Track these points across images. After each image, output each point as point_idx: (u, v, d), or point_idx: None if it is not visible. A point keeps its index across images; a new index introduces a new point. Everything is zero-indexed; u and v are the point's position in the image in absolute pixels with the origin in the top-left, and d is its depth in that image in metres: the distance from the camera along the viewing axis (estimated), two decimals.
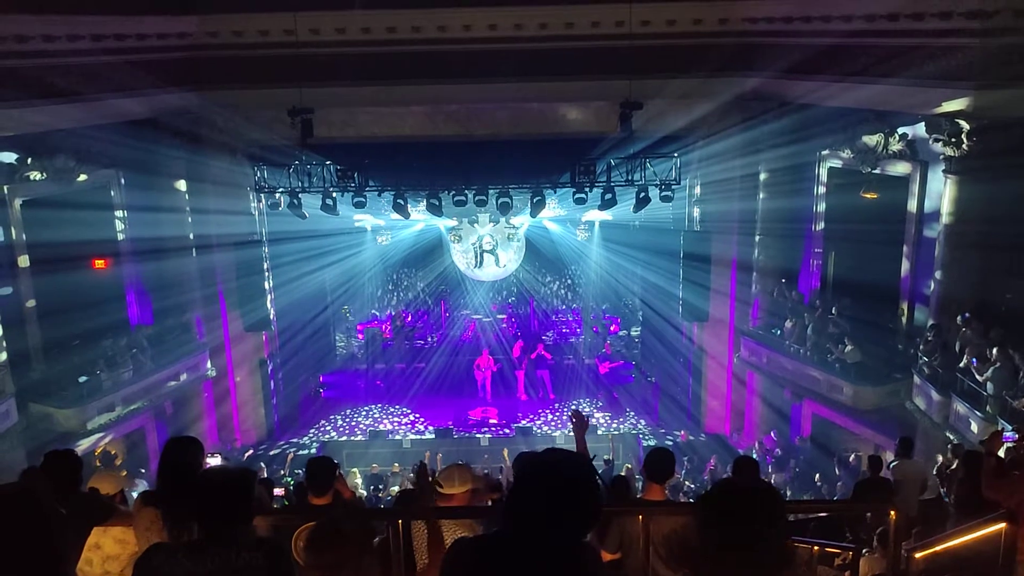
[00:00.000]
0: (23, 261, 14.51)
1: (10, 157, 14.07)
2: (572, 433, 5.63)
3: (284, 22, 14.90)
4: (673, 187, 16.70)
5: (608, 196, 16.69)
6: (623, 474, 15.05)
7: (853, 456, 15.77)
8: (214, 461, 4.36)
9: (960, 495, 7.36)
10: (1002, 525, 4.35)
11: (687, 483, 15.99)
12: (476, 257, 23.29)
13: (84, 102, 13.69)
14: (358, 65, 15.52)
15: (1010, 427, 9.98)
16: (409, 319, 23.65)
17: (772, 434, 17.65)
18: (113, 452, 15.56)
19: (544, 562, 2.34)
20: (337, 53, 15.42)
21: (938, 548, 5.18)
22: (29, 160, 14.26)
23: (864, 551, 6.24)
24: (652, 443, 18.45)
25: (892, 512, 4.34)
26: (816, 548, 6.48)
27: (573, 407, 5.50)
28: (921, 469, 9.70)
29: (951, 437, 12.61)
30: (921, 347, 14.14)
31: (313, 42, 15.17)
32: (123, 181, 16.20)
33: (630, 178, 16.62)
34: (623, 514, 5.24)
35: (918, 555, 5.08)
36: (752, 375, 18.33)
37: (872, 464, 10.03)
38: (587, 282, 24.70)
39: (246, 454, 18.04)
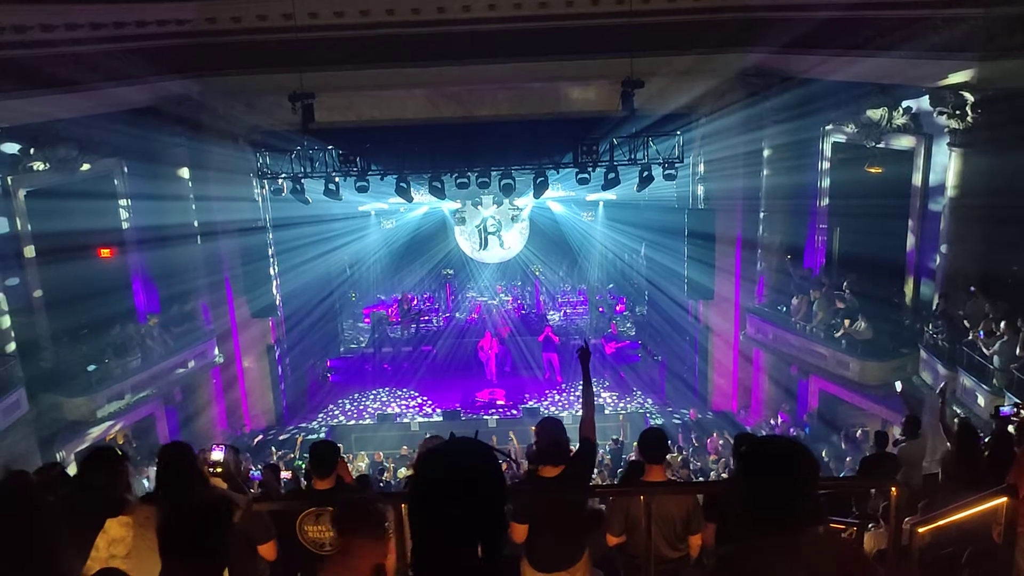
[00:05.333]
0: (29, 251, 14.54)
1: (13, 148, 14.07)
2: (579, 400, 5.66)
3: (282, 6, 14.82)
4: (676, 165, 16.64)
5: (611, 175, 16.63)
6: (636, 458, 15.18)
7: (860, 431, 15.78)
8: (218, 453, 4.40)
9: (948, 467, 7.34)
10: (1003, 499, 4.35)
11: (693, 460, 16.03)
12: (480, 239, 23.29)
13: (84, 91, 13.68)
14: (358, 48, 15.44)
15: (1009, 403, 9.98)
16: (415, 302, 23.69)
17: (781, 413, 17.67)
18: (123, 439, 15.69)
19: None
20: (336, 37, 15.35)
21: (941, 522, 5.19)
22: (32, 150, 14.25)
23: (870, 526, 6.27)
24: (660, 421, 18.49)
25: (894, 488, 4.35)
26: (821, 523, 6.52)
27: (581, 345, 5.50)
28: (924, 449, 9.69)
29: (958, 411, 12.59)
30: (929, 322, 14.10)
31: (312, 26, 15.09)
32: (126, 170, 16.22)
33: (633, 157, 16.57)
34: (626, 496, 5.26)
35: (921, 529, 5.09)
36: (758, 352, 18.32)
37: (878, 440, 10.03)
38: (592, 262, 24.67)
39: (255, 439, 18.15)
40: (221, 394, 18.64)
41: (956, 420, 10.98)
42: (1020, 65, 11.96)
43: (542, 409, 19.22)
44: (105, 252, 16.06)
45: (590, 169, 16.59)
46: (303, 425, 19.48)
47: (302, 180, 16.67)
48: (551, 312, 24.12)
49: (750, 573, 2.52)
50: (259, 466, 12.88)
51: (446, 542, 2.05)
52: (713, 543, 5.35)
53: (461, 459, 2.10)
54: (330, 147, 16.61)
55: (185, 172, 17.13)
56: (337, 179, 16.74)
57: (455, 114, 17.08)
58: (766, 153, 17.05)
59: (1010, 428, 7.75)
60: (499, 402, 19.88)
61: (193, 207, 17.25)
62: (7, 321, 14.17)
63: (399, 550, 4.37)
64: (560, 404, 19.68)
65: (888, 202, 15.18)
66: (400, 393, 20.88)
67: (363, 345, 23.02)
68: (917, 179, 14.73)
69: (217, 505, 3.05)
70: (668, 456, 6.50)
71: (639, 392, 20.52)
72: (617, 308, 23.87)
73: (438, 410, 19.60)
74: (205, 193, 17.13)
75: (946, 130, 13.55)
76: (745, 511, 2.56)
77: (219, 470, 4.29)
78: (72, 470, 5.25)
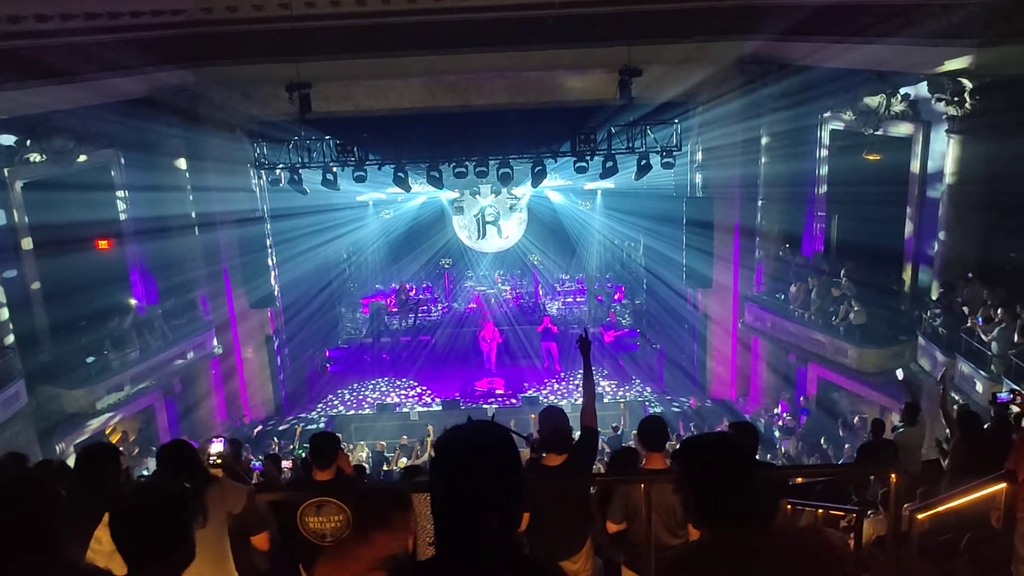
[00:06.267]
0: (26, 243, 14.53)
1: (9, 139, 14.04)
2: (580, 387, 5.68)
3: None
4: (674, 153, 16.63)
5: (609, 164, 16.63)
6: (632, 445, 15.22)
7: (858, 418, 15.83)
8: (217, 445, 4.44)
9: (954, 455, 7.38)
10: (1003, 485, 4.37)
11: None
12: (478, 229, 23.27)
13: (80, 82, 13.64)
14: (354, 38, 15.37)
15: (1006, 389, 10.01)
16: (413, 292, 23.68)
17: (781, 401, 17.72)
18: (121, 434, 15.70)
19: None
20: (333, 26, 15.27)
21: (940, 508, 5.22)
22: (28, 142, 14.22)
23: (869, 512, 6.29)
24: (659, 410, 18.54)
25: (893, 475, 4.36)
26: (821, 511, 6.55)
27: (581, 335, 5.65)
28: (922, 436, 9.72)
29: (956, 398, 12.62)
30: (929, 309, 14.11)
31: (308, 15, 15.01)
32: (123, 161, 16.19)
33: (631, 145, 16.56)
34: (626, 484, 5.27)
35: (920, 516, 5.12)
36: (757, 340, 18.35)
37: (874, 427, 10.06)
38: (591, 251, 24.66)
39: (255, 430, 18.17)
40: (220, 385, 18.66)
41: (956, 407, 11.03)
42: (1018, 51, 11.93)
43: (541, 398, 19.25)
44: (103, 244, 16.03)
45: (588, 158, 16.58)
46: (302, 415, 19.50)
47: (300, 170, 16.65)
48: (550, 301, 24.13)
49: (712, 569, 2.54)
50: (260, 456, 12.91)
51: (470, 513, 2.09)
52: None
53: (483, 435, 2.18)
54: (328, 137, 16.59)
55: (182, 163, 17.08)
56: (335, 169, 16.73)
57: (453, 103, 17.03)
58: (764, 141, 17.03)
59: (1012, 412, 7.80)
60: (498, 391, 19.90)
61: (190, 198, 17.22)
62: (5, 313, 14.15)
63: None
64: (559, 393, 19.71)
65: (886, 189, 15.18)
66: (399, 383, 20.90)
67: (362, 335, 23.03)
68: (915, 166, 14.72)
69: (167, 495, 2.91)
70: (667, 444, 6.51)
71: (638, 380, 20.54)
72: (615, 297, 23.89)
73: (437, 399, 19.62)
74: (202, 184, 17.11)
75: (944, 117, 13.53)
76: (692, 509, 2.59)
77: (219, 461, 4.31)
78: (72, 462, 5.27)
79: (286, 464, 11.52)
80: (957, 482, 6.57)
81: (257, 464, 11.33)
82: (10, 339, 14.10)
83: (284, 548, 5.19)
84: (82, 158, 15.11)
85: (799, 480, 7.85)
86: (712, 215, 17.72)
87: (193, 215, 17.28)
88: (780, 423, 17.12)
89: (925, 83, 13.70)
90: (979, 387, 12.40)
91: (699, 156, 18.20)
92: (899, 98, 14.47)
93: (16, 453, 4.53)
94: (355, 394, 20.60)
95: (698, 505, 2.56)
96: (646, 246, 21.38)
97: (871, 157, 15.18)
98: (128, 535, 2.59)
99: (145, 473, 13.73)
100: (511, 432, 2.27)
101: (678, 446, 2.86)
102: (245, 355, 19.14)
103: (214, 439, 4.47)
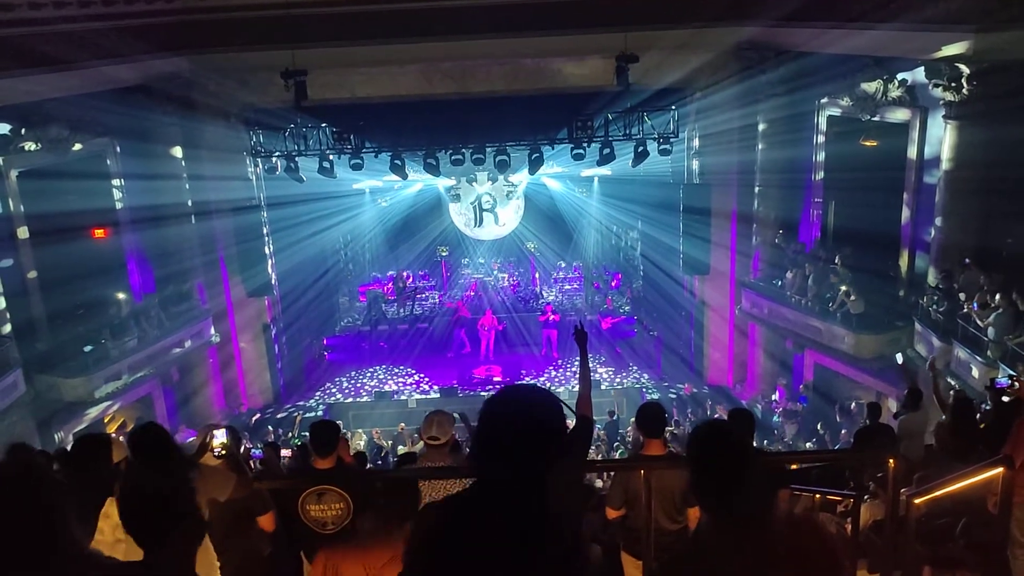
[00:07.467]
0: (22, 232, 14.49)
1: (4, 128, 13.99)
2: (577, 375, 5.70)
3: None
4: (671, 140, 16.61)
5: (606, 151, 16.61)
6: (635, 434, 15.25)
7: (854, 404, 15.89)
8: (220, 433, 4.40)
9: (943, 438, 7.42)
10: (1000, 470, 4.40)
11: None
12: (475, 216, 23.23)
13: (74, 70, 13.53)
14: (350, 24, 15.30)
15: (1004, 374, 10.03)
16: (410, 280, 23.67)
17: (779, 387, 17.77)
18: (113, 428, 15.69)
19: (508, 513, 2.14)
20: (328, 13, 15.19)
21: (938, 493, 5.25)
22: (23, 131, 14.17)
23: (865, 497, 6.33)
24: (656, 396, 18.58)
25: (891, 460, 4.38)
26: (818, 496, 6.58)
27: (577, 326, 5.74)
28: (925, 421, 9.75)
29: (953, 383, 12.67)
30: (926, 295, 14.13)
31: (303, 2, 14.95)
32: (118, 149, 16.12)
33: (628, 132, 16.54)
34: (625, 470, 5.30)
35: (918, 500, 5.15)
36: (754, 326, 18.39)
37: (871, 412, 10.09)
38: (588, 238, 24.65)
39: (253, 418, 18.20)
40: (218, 373, 18.66)
41: (952, 392, 11.06)
42: (1016, 37, 11.90)
43: (539, 385, 19.24)
44: (99, 232, 16.00)
45: (585, 145, 16.56)
46: (300, 403, 19.53)
47: (296, 158, 16.62)
48: (547, 289, 24.14)
49: (706, 562, 2.55)
50: (259, 444, 12.94)
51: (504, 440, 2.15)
52: None
53: (536, 388, 2.32)
54: (324, 124, 16.54)
55: (178, 151, 17.01)
56: (331, 157, 16.70)
57: (449, 90, 16.97)
58: (761, 127, 17.00)
59: (1004, 399, 7.81)
60: (496, 379, 19.91)
61: (186, 186, 17.15)
62: (2, 303, 14.13)
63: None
64: (557, 380, 19.75)
65: (883, 175, 15.19)
66: (397, 370, 20.93)
67: (359, 323, 23.04)
68: (912, 152, 14.72)
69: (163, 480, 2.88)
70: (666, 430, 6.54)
71: (635, 367, 20.58)
72: (612, 284, 23.91)
73: (435, 387, 19.65)
74: (199, 172, 17.05)
75: (941, 103, 13.52)
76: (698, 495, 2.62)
77: (224, 452, 4.28)
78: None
79: (285, 452, 11.56)
80: (942, 465, 6.60)
81: (257, 452, 11.35)
82: (7, 328, 14.09)
83: (284, 535, 5.21)
84: (77, 147, 15.06)
85: (794, 466, 7.90)
86: (709, 202, 17.72)
87: (189, 203, 17.22)
88: (781, 408, 17.19)
89: (922, 69, 13.67)
90: (975, 372, 12.44)
91: (696, 143, 18.18)
92: (896, 84, 14.45)
93: (22, 444, 4.48)
94: (353, 382, 20.62)
95: (701, 491, 2.58)
96: (643, 233, 21.38)
97: (868, 143, 15.17)
98: (135, 522, 2.63)
99: None
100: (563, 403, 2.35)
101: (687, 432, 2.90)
102: (243, 343, 19.14)
103: (215, 429, 4.43)
